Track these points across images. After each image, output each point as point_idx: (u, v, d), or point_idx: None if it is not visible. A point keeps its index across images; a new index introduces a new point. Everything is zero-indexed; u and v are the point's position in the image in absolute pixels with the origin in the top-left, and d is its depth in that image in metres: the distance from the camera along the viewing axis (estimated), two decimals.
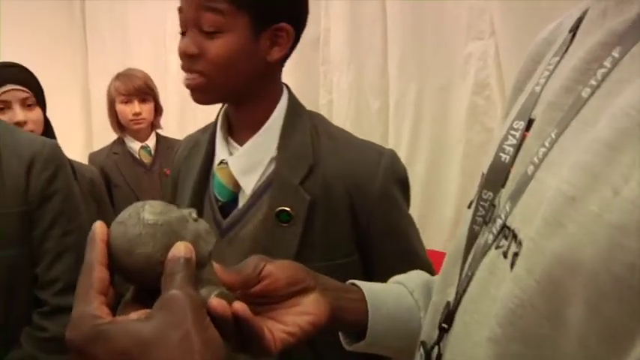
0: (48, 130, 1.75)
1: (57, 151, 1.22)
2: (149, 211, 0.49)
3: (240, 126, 1.03)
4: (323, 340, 0.69)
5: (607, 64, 0.39)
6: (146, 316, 0.44)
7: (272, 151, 0.99)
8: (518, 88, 0.58)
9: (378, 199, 0.97)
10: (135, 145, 2.37)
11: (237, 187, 1.00)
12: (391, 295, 0.69)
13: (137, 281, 0.49)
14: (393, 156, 1.02)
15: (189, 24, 0.92)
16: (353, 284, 0.69)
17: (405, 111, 2.09)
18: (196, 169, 1.05)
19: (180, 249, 0.47)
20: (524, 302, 0.37)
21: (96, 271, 0.46)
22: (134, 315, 0.45)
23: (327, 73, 2.36)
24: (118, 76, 2.37)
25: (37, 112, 1.69)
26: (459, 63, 1.95)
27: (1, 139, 1.17)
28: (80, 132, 3.58)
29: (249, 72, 0.97)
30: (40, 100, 1.71)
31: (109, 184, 2.26)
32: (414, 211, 1.05)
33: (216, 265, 0.55)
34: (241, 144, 1.01)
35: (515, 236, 0.41)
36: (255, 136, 0.99)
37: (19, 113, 1.65)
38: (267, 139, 0.99)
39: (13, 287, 1.13)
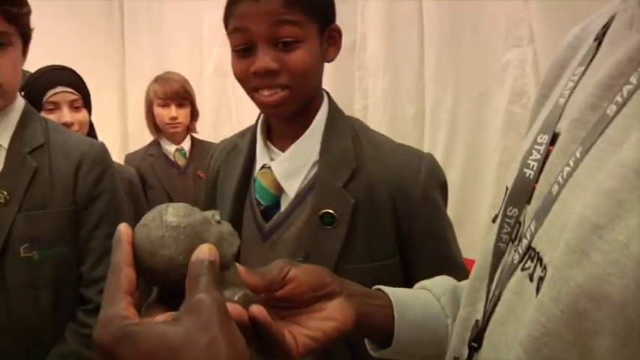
0: (91, 132, 1.82)
1: (104, 152, 1.27)
2: (172, 214, 0.49)
3: (281, 132, 1.05)
4: (362, 342, 0.71)
5: (633, 80, 0.38)
6: (173, 319, 0.44)
7: (314, 155, 1.01)
8: (543, 95, 0.57)
9: (420, 202, 0.99)
10: (170, 148, 2.42)
11: (279, 191, 1.03)
12: (418, 301, 0.69)
13: (160, 283, 0.50)
14: (432, 160, 1.04)
15: (259, 40, 0.94)
16: (379, 290, 0.69)
17: (441, 118, 2.09)
18: (237, 173, 1.07)
19: (204, 251, 0.47)
20: (549, 331, 0.37)
21: (123, 272, 0.47)
22: (161, 317, 0.45)
23: (362, 78, 2.37)
24: (157, 79, 2.42)
25: (83, 114, 1.77)
26: (496, 70, 1.96)
27: (51, 140, 1.22)
28: (116, 133, 3.66)
29: (320, 77, 1.02)
30: (86, 103, 1.79)
31: (144, 185, 2.31)
32: None
33: (240, 267, 0.55)
34: (282, 149, 1.04)
35: (540, 259, 0.41)
36: (298, 141, 1.02)
37: (66, 114, 1.72)
38: (309, 144, 1.02)
39: (60, 284, 1.17)
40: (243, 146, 1.10)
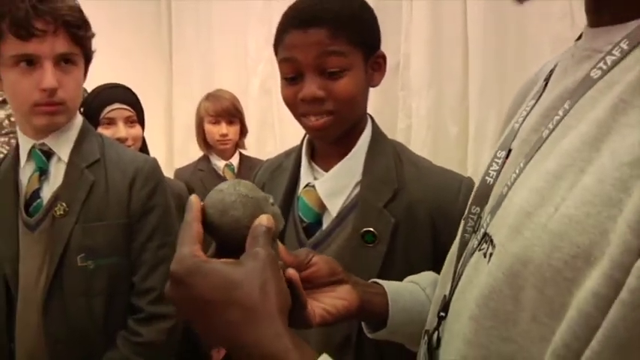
0: (144, 146, 1.91)
1: (157, 168, 1.33)
2: (243, 186, 0.62)
3: (325, 153, 1.10)
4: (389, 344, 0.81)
5: (560, 112, 0.52)
6: (236, 262, 0.56)
7: (357, 175, 1.06)
8: (507, 119, 0.70)
9: (457, 224, 1.02)
10: (219, 163, 2.49)
11: (322, 209, 1.07)
12: (407, 291, 0.83)
13: (223, 238, 0.61)
14: (470, 183, 1.07)
15: (307, 70, 0.99)
16: (375, 282, 0.83)
17: (485, 138, 2.12)
18: (281, 190, 1.12)
19: (264, 219, 0.59)
20: (494, 288, 0.50)
21: (194, 225, 0.59)
22: (224, 260, 0.56)
23: (406, 98, 2.41)
24: (208, 97, 2.50)
25: (137, 130, 1.86)
26: None
27: (107, 155, 1.29)
28: (162, 148, 3.77)
29: (365, 102, 1.07)
30: (140, 119, 1.88)
31: None
32: None
33: (280, 245, 0.67)
34: (325, 169, 1.09)
35: (491, 241, 0.53)
36: (342, 162, 1.07)
37: (121, 130, 1.81)
38: (353, 165, 1.07)
39: (113, 293, 1.23)
40: (287, 165, 1.15)
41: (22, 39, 1.14)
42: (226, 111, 2.42)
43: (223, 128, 2.43)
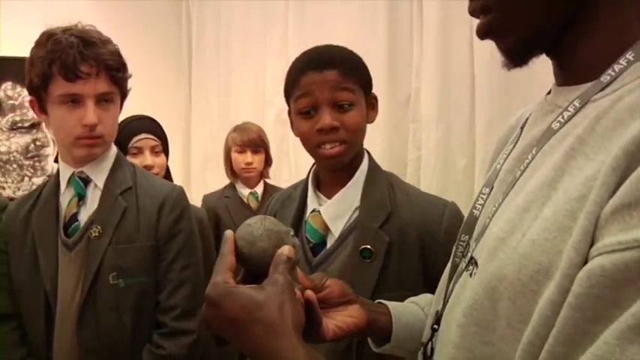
0: (167, 174, 2.06)
1: (183, 195, 1.48)
2: (269, 221, 0.75)
3: (329, 182, 1.28)
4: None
5: (529, 157, 0.65)
6: (259, 287, 0.67)
7: (356, 201, 1.23)
8: (492, 161, 0.83)
9: (444, 242, 1.17)
10: (245, 191, 2.65)
11: (326, 231, 1.24)
12: (408, 310, 0.96)
13: (252, 265, 0.73)
14: (455, 207, 1.26)
15: (322, 103, 1.18)
16: (380, 302, 0.95)
17: None
18: (291, 216, 1.29)
19: (286, 249, 0.72)
20: (477, 301, 0.62)
21: (228, 257, 0.72)
22: (250, 286, 0.68)
23: (416, 130, 2.51)
24: (236, 129, 2.69)
25: (162, 159, 2.01)
26: None
27: (138, 183, 1.44)
28: (179, 176, 3.92)
29: (364, 135, 1.25)
30: (165, 148, 2.03)
31: (219, 224, 2.53)
32: None
33: (299, 271, 0.81)
34: (329, 197, 1.26)
35: (476, 263, 0.65)
36: (342, 190, 1.24)
37: (148, 158, 1.97)
38: (352, 193, 1.24)
39: (140, 310, 1.37)
40: (295, 196, 1.33)
41: (70, 81, 1.30)
42: (252, 141, 2.60)
43: (248, 157, 2.61)
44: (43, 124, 3.80)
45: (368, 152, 1.32)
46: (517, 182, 0.65)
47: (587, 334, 0.47)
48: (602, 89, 0.60)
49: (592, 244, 0.50)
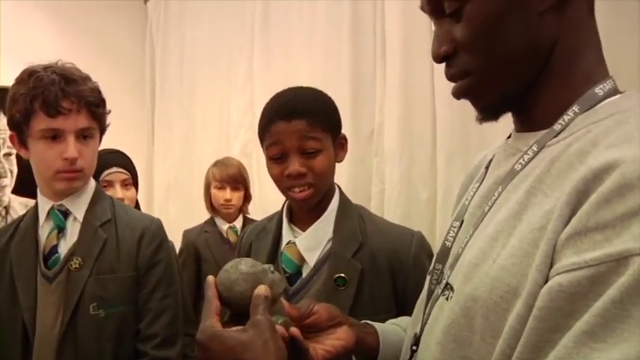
0: (137, 207, 2.10)
1: (161, 226, 1.53)
2: (244, 264, 0.83)
3: (302, 216, 1.37)
4: None
5: (495, 194, 0.75)
6: (243, 329, 0.77)
7: (329, 233, 1.32)
8: (459, 197, 0.94)
9: (412, 267, 1.29)
10: (224, 226, 2.70)
11: (301, 261, 1.32)
12: (392, 330, 1.03)
13: (233, 308, 0.82)
14: (421, 236, 1.37)
15: (291, 151, 1.27)
16: (367, 323, 1.02)
17: (452, 202, 2.25)
18: (267, 248, 1.37)
19: (262, 289, 0.81)
20: (454, 320, 0.71)
21: (213, 302, 0.81)
22: (234, 329, 0.78)
23: (379, 164, 2.59)
24: (216, 163, 2.73)
25: (132, 192, 2.06)
26: None
27: (117, 215, 1.49)
28: (142, 205, 3.93)
29: (334, 174, 1.34)
30: (135, 182, 2.08)
31: (199, 257, 2.58)
32: None
33: (284, 302, 0.88)
34: (303, 229, 1.35)
35: (452, 287, 0.74)
36: (316, 223, 1.34)
37: (118, 191, 2.02)
38: (325, 225, 1.33)
39: (121, 338, 1.40)
40: (270, 227, 1.42)
41: (51, 116, 1.35)
42: (232, 177, 2.65)
43: (227, 194, 2.65)
44: (0, 155, 3.77)
45: (339, 187, 1.41)
46: (486, 216, 0.75)
47: (549, 341, 0.56)
48: (555, 136, 0.71)
49: (551, 266, 0.60)
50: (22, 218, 1.53)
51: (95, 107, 1.42)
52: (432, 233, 2.34)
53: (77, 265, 1.39)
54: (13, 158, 3.88)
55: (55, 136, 1.38)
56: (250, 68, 3.36)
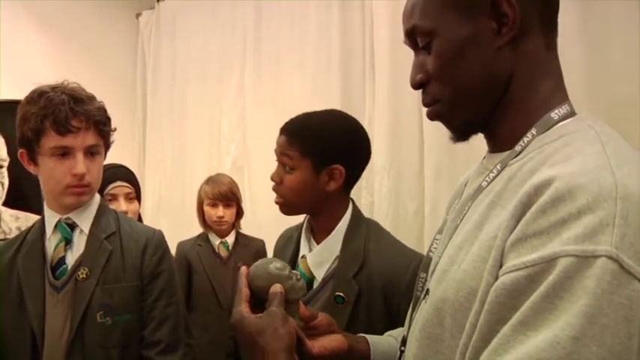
0: (139, 219, 2.19)
1: (163, 238, 1.63)
2: (272, 266, 1.00)
3: (318, 230, 1.47)
4: None
5: (466, 208, 0.86)
6: (260, 316, 0.93)
7: (337, 251, 1.42)
8: (446, 212, 1.02)
9: (405, 291, 1.34)
10: (216, 241, 2.78)
11: (312, 275, 1.43)
12: (385, 341, 1.15)
13: (256, 297, 0.99)
14: (419, 262, 1.42)
15: (277, 159, 1.41)
16: (361, 335, 1.14)
17: (439, 214, 2.32)
18: (288, 258, 1.48)
19: (277, 287, 0.98)
20: (428, 319, 0.82)
21: (243, 290, 0.99)
22: (255, 315, 0.94)
23: (369, 177, 2.66)
24: (208, 181, 2.79)
25: (135, 205, 2.15)
26: None
27: (122, 228, 1.58)
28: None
29: (313, 197, 1.42)
30: (137, 195, 2.16)
31: (191, 270, 2.68)
32: None
33: (302, 305, 1.04)
34: (318, 242, 1.46)
35: (428, 292, 0.85)
36: (325, 240, 1.44)
37: (122, 204, 2.11)
38: (334, 242, 1.43)
39: (126, 345, 1.49)
40: (294, 237, 1.54)
41: (61, 134, 1.44)
42: (224, 195, 2.70)
43: (220, 211, 2.72)
44: None
45: (353, 203, 1.50)
46: (457, 228, 0.85)
47: (495, 332, 0.66)
48: (516, 156, 0.81)
49: (500, 268, 0.70)
50: (28, 231, 1.61)
51: (102, 125, 1.52)
52: (420, 243, 2.44)
53: (84, 275, 1.48)
54: (5, 171, 3.94)
55: (65, 153, 1.47)
56: (242, 83, 3.46)
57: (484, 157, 0.92)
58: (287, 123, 1.46)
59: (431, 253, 0.93)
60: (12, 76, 3.61)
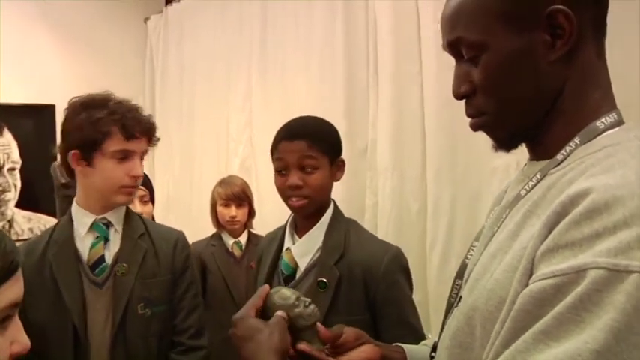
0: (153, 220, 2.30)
1: (186, 238, 1.82)
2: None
3: (302, 226, 1.62)
4: None
5: (503, 217, 0.85)
6: (262, 321, 1.00)
7: (319, 242, 1.58)
8: (487, 218, 1.00)
9: (382, 278, 1.53)
10: (229, 240, 2.92)
11: (296, 265, 1.59)
12: (421, 350, 1.15)
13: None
14: (396, 252, 1.60)
15: (292, 166, 1.53)
16: (397, 345, 1.16)
17: (441, 213, 2.47)
18: (272, 253, 1.65)
19: (279, 314, 1.03)
20: (459, 327, 0.82)
21: (257, 299, 1.06)
22: (257, 319, 1.02)
23: (373, 178, 2.76)
24: (221, 183, 2.94)
25: (149, 207, 2.28)
26: (486, 174, 2.35)
27: (149, 229, 1.75)
28: None
29: (329, 191, 1.60)
30: (152, 198, 2.27)
31: (205, 269, 2.82)
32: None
33: (319, 326, 1.07)
34: (301, 236, 1.61)
35: (461, 299, 0.86)
36: (309, 232, 1.59)
37: (137, 207, 2.27)
38: (316, 235, 1.59)
39: (162, 334, 1.67)
40: (278, 235, 1.69)
41: (127, 139, 1.59)
42: (236, 196, 2.85)
43: (232, 211, 2.86)
44: (5, 170, 3.92)
45: (334, 203, 1.66)
46: (494, 236, 0.84)
47: (517, 338, 0.65)
48: (557, 165, 0.79)
49: (529, 277, 0.68)
50: (52, 231, 1.74)
51: (153, 134, 1.68)
52: (422, 242, 2.54)
53: (124, 271, 1.63)
54: (17, 173, 4.04)
55: (125, 157, 1.62)
56: (248, 86, 3.56)
57: (525, 165, 0.91)
58: (296, 128, 1.59)
59: (467, 260, 0.91)
60: (22, 80, 3.71)
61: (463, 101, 0.89)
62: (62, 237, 1.68)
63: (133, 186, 1.66)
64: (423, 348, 1.17)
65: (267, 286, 1.09)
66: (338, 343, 1.08)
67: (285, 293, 1.07)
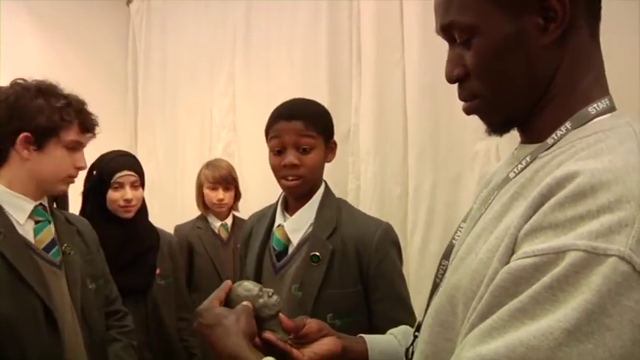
0: (144, 205, 2.39)
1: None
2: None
3: (293, 204, 1.65)
4: None
5: (491, 198, 0.85)
6: (227, 309, 1.03)
7: (311, 219, 1.61)
8: (474, 201, 1.00)
9: (374, 252, 1.57)
10: (216, 223, 2.95)
11: (288, 241, 1.62)
12: (383, 339, 1.18)
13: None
14: (387, 227, 1.64)
15: (288, 145, 1.54)
16: (360, 336, 1.18)
17: (422, 197, 2.51)
18: (263, 230, 1.68)
19: (244, 303, 1.04)
20: (441, 306, 0.81)
21: (221, 292, 1.07)
22: (223, 308, 1.04)
23: (355, 162, 2.79)
24: (208, 165, 2.96)
25: (140, 192, 2.31)
26: (467, 158, 2.39)
27: (64, 212, 1.84)
28: None
29: (322, 170, 1.62)
30: (142, 183, 2.30)
31: (192, 252, 2.84)
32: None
33: (282, 316, 1.08)
34: (291, 215, 1.63)
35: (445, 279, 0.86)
36: (301, 209, 1.63)
37: (128, 192, 2.28)
38: (309, 212, 1.62)
39: (100, 306, 1.84)
40: (268, 213, 1.72)
41: (83, 132, 1.67)
42: (223, 178, 2.88)
43: (220, 194, 2.89)
44: None
45: (326, 183, 1.70)
46: (481, 217, 0.84)
47: (492, 314, 0.66)
48: (547, 149, 0.79)
49: (511, 256, 0.69)
50: None
51: (97, 129, 1.77)
52: (404, 225, 2.57)
53: (71, 251, 1.71)
54: None
55: (75, 147, 1.68)
56: (232, 71, 3.56)
57: (516, 148, 0.90)
58: (293, 109, 1.61)
59: (454, 241, 0.91)
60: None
61: (445, 87, 0.90)
62: (3, 225, 1.59)
63: (75, 176, 1.73)
64: (386, 337, 1.20)
65: (229, 280, 1.11)
66: (301, 334, 1.11)
67: (248, 286, 1.09)
